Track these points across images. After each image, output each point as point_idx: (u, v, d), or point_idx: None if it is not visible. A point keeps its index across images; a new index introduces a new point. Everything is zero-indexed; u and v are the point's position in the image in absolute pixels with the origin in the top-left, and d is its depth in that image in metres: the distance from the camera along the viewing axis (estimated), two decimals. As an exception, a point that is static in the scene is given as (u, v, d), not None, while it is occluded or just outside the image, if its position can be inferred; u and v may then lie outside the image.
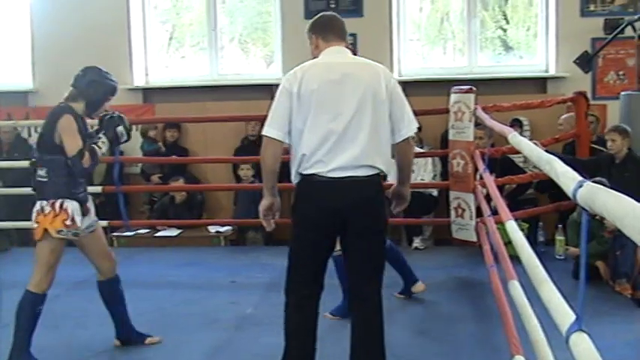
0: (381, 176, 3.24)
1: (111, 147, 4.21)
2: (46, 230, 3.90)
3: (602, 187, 1.57)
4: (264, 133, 3.26)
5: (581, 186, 1.65)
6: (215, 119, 7.36)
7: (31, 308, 4.01)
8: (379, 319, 3.30)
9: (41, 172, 3.94)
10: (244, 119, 7.55)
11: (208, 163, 7.94)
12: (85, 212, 4.03)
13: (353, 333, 3.33)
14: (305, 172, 3.20)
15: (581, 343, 1.63)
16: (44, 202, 3.91)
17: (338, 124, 3.14)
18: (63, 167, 3.89)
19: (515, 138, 3.27)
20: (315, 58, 3.37)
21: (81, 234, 4.05)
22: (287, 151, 3.36)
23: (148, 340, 4.35)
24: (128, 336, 4.33)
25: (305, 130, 3.17)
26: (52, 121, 3.92)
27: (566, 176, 1.85)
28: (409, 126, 3.28)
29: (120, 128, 4.11)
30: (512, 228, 3.03)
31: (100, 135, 4.08)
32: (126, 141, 4.21)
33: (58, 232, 3.90)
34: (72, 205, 3.92)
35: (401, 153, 3.34)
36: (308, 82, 3.18)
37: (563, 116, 6.89)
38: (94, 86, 4.04)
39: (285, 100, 3.22)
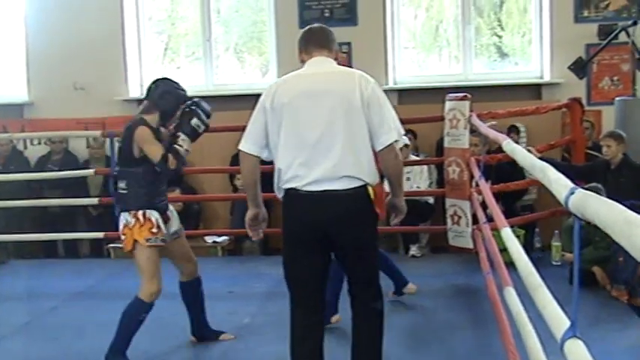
0: (366, 187, 3.14)
1: (193, 140, 4.23)
2: (136, 241, 4.05)
3: (593, 194, 1.57)
4: (239, 147, 3.28)
5: (572, 193, 1.65)
6: (210, 130, 7.35)
7: (135, 314, 4.17)
8: (376, 328, 3.32)
9: (122, 184, 4.11)
10: (240, 129, 7.54)
11: (204, 174, 7.93)
12: (165, 220, 4.17)
13: (352, 341, 3.38)
14: (284, 187, 3.19)
15: (576, 350, 1.63)
16: (127, 215, 4.08)
17: (310, 137, 3.09)
18: (142, 179, 4.06)
19: (509, 145, 3.28)
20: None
21: (168, 240, 4.21)
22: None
23: (222, 337, 4.55)
24: (203, 333, 4.53)
25: (279, 144, 3.15)
26: (128, 135, 4.05)
27: (558, 183, 1.86)
28: (389, 133, 3.14)
29: (194, 121, 4.15)
30: (508, 235, 3.03)
31: (179, 133, 4.13)
32: (205, 130, 4.23)
33: (147, 240, 4.05)
34: (155, 214, 4.08)
35: (384, 162, 3.22)
36: (280, 95, 3.17)
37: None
38: (165, 97, 4.13)
39: (260, 114, 3.22)
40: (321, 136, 3.08)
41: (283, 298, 5.35)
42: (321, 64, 3.26)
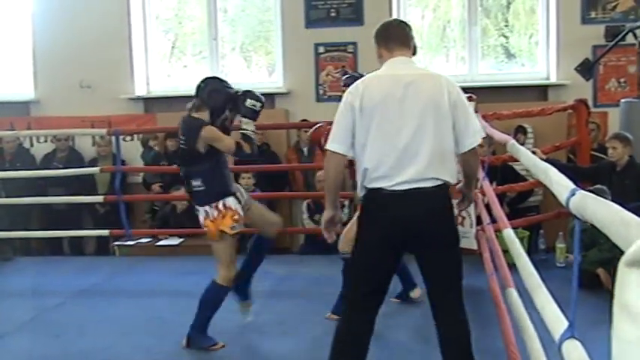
0: (447, 187, 3.15)
1: (254, 120, 4.36)
2: (221, 231, 4.24)
3: (591, 195, 1.57)
4: (327, 147, 3.22)
5: (573, 194, 1.65)
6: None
7: (215, 297, 4.38)
8: (465, 331, 3.24)
9: (196, 182, 4.27)
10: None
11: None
12: (240, 200, 4.38)
13: (442, 348, 3.27)
14: (370, 186, 3.14)
15: (574, 351, 1.63)
16: (207, 207, 4.26)
17: (400, 139, 3.08)
18: (214, 172, 4.28)
19: (513, 147, 3.27)
20: (380, 67, 3.33)
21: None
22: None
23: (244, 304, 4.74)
24: (244, 287, 4.72)
25: (367, 144, 3.12)
26: (192, 135, 4.25)
27: (559, 184, 1.86)
28: (474, 136, 3.18)
29: (249, 101, 4.30)
30: (509, 236, 3.03)
31: (240, 118, 4.31)
32: (262, 107, 4.38)
33: (232, 228, 4.26)
34: (231, 201, 4.28)
35: (466, 164, 3.29)
36: (369, 96, 3.13)
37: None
38: (213, 95, 4.33)
39: (348, 114, 3.16)
40: (410, 139, 3.07)
41: (286, 297, 5.39)
42: (405, 65, 3.25)
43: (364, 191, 3.18)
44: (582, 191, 1.63)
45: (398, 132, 3.08)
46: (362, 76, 3.66)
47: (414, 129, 3.07)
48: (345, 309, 3.30)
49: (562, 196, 1.76)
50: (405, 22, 3.45)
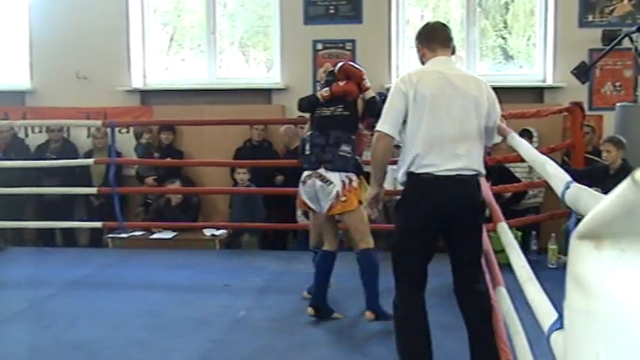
0: (480, 175, 3.48)
1: None
2: (360, 202, 4.46)
3: (585, 187, 1.59)
4: (378, 128, 3.46)
5: (568, 187, 1.67)
6: (211, 122, 7.38)
7: (374, 262, 4.55)
8: (484, 300, 3.50)
9: (347, 147, 4.51)
10: (240, 123, 7.55)
11: (205, 166, 7.93)
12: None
13: (465, 318, 3.55)
14: (418, 171, 3.38)
15: (562, 342, 1.65)
16: (345, 175, 4.50)
17: (449, 130, 3.35)
18: (356, 147, 4.59)
19: (513, 139, 3.29)
20: (422, 65, 3.60)
21: None
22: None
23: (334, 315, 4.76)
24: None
25: (419, 132, 3.37)
26: (351, 102, 4.65)
27: (557, 177, 1.88)
28: (495, 139, 3.61)
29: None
30: (503, 230, 3.05)
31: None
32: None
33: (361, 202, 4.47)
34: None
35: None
36: (423, 88, 3.37)
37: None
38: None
39: (401, 101, 3.41)
40: (456, 132, 3.35)
41: (279, 292, 5.40)
42: (447, 65, 3.50)
43: (410, 176, 3.42)
44: (577, 184, 1.65)
45: (447, 123, 3.36)
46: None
47: (459, 123, 3.37)
48: (402, 294, 3.48)
49: (558, 189, 1.78)
50: (446, 25, 3.70)
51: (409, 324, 3.46)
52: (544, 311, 1.90)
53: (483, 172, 3.49)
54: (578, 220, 1.58)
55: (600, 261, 0.79)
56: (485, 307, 3.47)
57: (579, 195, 1.56)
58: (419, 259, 3.46)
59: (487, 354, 3.41)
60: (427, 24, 3.70)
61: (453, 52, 3.60)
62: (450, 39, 3.58)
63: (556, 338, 1.69)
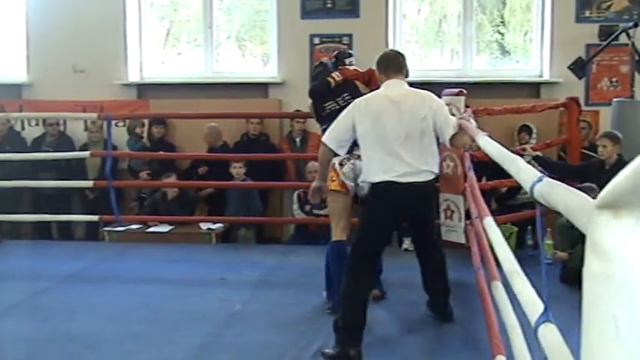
0: (433, 176, 4.23)
1: None
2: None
3: (558, 182, 1.60)
4: (322, 139, 4.35)
5: (540, 181, 1.68)
6: (206, 116, 7.37)
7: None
8: (442, 258, 4.61)
9: None
10: (239, 117, 7.56)
11: (199, 159, 7.90)
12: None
13: (424, 277, 4.64)
14: (374, 181, 4.13)
15: (549, 334, 1.67)
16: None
17: (395, 144, 4.07)
18: None
19: (482, 139, 3.30)
20: (380, 86, 4.35)
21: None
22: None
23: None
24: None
25: (369, 149, 4.16)
26: (357, 89, 4.89)
27: (526, 173, 1.89)
28: (453, 128, 4.10)
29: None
30: (489, 224, 3.07)
31: None
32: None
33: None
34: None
35: (453, 144, 4.24)
36: (368, 109, 4.15)
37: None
38: None
39: (349, 120, 4.19)
40: (402, 143, 4.08)
41: (275, 287, 5.42)
42: (397, 87, 4.25)
43: (370, 184, 4.19)
44: (547, 178, 1.67)
45: (392, 138, 4.07)
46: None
47: (405, 135, 4.08)
48: (352, 274, 4.09)
49: (526, 184, 1.80)
50: (400, 53, 4.50)
51: (355, 305, 4.04)
52: (531, 304, 1.93)
53: (437, 170, 4.28)
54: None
55: (618, 229, 0.84)
56: (442, 266, 4.58)
57: (553, 188, 1.57)
58: (379, 249, 4.32)
59: (440, 286, 4.59)
60: (384, 54, 4.46)
61: (407, 76, 4.35)
62: (402, 66, 4.34)
63: (543, 331, 1.71)
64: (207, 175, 7.54)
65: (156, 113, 7.93)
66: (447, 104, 5.81)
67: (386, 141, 4.08)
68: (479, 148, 3.46)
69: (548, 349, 1.65)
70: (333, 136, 4.25)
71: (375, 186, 4.14)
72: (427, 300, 4.73)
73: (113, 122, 7.26)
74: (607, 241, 0.84)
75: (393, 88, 4.23)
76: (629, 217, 0.83)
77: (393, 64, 4.33)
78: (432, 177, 4.20)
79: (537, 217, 1.76)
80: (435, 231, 4.67)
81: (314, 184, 4.56)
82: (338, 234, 4.70)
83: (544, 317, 1.75)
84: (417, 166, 4.09)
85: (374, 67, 4.52)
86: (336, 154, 4.43)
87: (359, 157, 4.50)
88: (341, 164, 4.67)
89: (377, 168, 4.11)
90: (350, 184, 4.66)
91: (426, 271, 4.62)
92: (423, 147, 4.14)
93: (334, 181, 4.68)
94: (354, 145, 4.42)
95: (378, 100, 4.18)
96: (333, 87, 4.85)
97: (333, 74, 4.89)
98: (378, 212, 4.15)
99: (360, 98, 4.29)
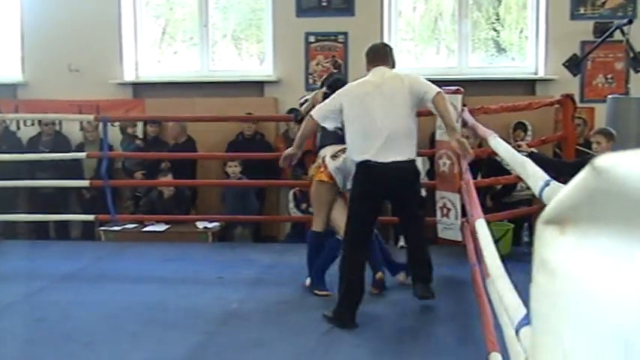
0: (412, 157, 4.55)
1: None
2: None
3: (564, 186, 1.60)
4: (311, 113, 4.70)
5: (547, 185, 1.69)
6: (203, 119, 7.37)
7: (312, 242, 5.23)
8: (422, 228, 4.89)
9: None
10: (231, 119, 7.54)
11: (194, 159, 7.90)
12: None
13: (407, 241, 5.07)
14: (358, 159, 4.48)
15: (530, 336, 1.68)
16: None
17: (375, 124, 4.40)
18: None
19: (494, 140, 3.32)
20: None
21: None
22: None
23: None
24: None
25: (352, 128, 4.50)
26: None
27: (535, 177, 1.90)
28: (431, 88, 4.46)
29: None
30: (480, 226, 3.09)
31: None
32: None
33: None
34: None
35: (438, 106, 4.46)
36: (353, 93, 4.55)
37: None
38: None
39: (337, 102, 4.58)
40: (385, 122, 4.41)
41: (272, 285, 5.42)
42: (380, 73, 4.58)
43: (355, 162, 4.50)
44: (555, 182, 1.67)
45: (375, 119, 4.41)
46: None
47: (386, 116, 4.41)
48: (348, 250, 4.51)
49: (536, 188, 1.81)
50: (386, 45, 4.99)
51: (354, 277, 4.47)
52: (514, 307, 1.95)
53: (414, 154, 4.58)
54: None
55: (563, 244, 0.84)
56: (421, 230, 4.83)
57: (557, 192, 1.58)
58: (370, 221, 4.64)
59: (420, 257, 4.76)
60: (371, 45, 4.80)
61: (393, 66, 4.71)
62: (388, 56, 4.69)
63: (525, 333, 1.73)
64: (174, 173, 7.49)
65: (152, 116, 7.91)
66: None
67: (368, 122, 4.43)
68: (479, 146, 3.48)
69: (529, 351, 1.66)
70: (320, 112, 4.64)
71: (358, 165, 4.48)
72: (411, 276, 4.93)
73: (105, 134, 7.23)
74: (552, 257, 0.85)
75: (376, 74, 4.59)
76: (574, 233, 0.84)
77: (379, 54, 4.68)
78: (412, 156, 4.53)
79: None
80: (418, 205, 4.86)
81: (288, 150, 4.90)
82: (318, 224, 5.07)
83: (526, 320, 1.76)
84: (398, 144, 4.41)
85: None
86: (323, 146, 4.98)
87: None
88: (334, 156, 4.92)
89: (360, 147, 4.46)
90: (337, 177, 4.92)
91: (408, 242, 4.94)
92: (404, 127, 4.46)
93: (322, 171, 4.95)
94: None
95: (362, 85, 4.58)
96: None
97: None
98: (363, 189, 4.50)
99: (347, 85, 4.73)
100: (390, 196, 4.68)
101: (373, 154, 4.39)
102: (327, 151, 4.97)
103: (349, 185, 4.82)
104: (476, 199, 4.04)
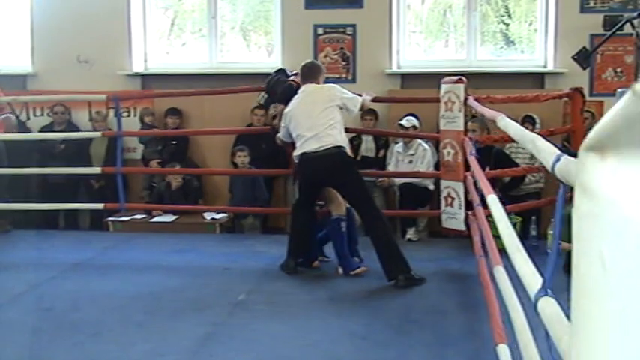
0: (343, 148, 5.44)
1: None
2: None
3: (575, 160, 1.60)
4: (277, 135, 5.89)
5: (559, 160, 1.69)
6: (212, 92, 7.34)
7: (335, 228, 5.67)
8: (382, 225, 5.32)
9: None
10: (242, 91, 7.42)
11: (208, 148, 7.92)
12: None
13: (369, 236, 5.40)
14: (299, 152, 5.46)
15: (548, 307, 1.70)
16: None
17: (306, 126, 5.41)
18: None
19: (503, 121, 3.33)
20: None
21: None
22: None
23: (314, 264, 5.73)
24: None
25: (294, 131, 5.52)
26: None
27: (546, 152, 1.90)
28: (356, 105, 5.63)
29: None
30: (493, 202, 3.11)
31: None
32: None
33: None
34: None
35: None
36: (290, 107, 5.58)
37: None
38: None
39: (285, 118, 5.64)
40: (312, 124, 5.40)
41: (279, 277, 5.44)
42: (309, 88, 5.59)
43: (297, 155, 5.48)
44: (567, 157, 1.67)
45: (305, 122, 5.43)
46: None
47: (313, 119, 5.39)
48: (297, 211, 5.67)
49: (548, 163, 1.81)
50: (316, 64, 5.94)
51: (302, 232, 5.59)
52: (530, 279, 1.96)
53: (344, 144, 5.45)
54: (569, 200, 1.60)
55: (603, 170, 0.88)
56: (382, 229, 5.28)
57: (568, 166, 1.59)
58: (311, 194, 5.61)
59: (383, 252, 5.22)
60: (303, 65, 5.75)
61: (322, 81, 5.69)
62: (317, 74, 5.68)
63: (542, 304, 1.74)
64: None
65: (164, 92, 7.78)
66: (447, 92, 5.86)
67: (302, 124, 5.43)
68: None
69: (547, 321, 1.67)
70: (282, 132, 5.77)
71: (298, 157, 5.49)
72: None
73: (119, 113, 7.25)
74: (593, 182, 0.89)
75: (306, 88, 5.61)
76: (613, 158, 0.87)
77: (309, 73, 5.67)
78: (336, 145, 5.35)
79: (560, 196, 1.77)
80: (367, 198, 5.45)
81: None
82: (339, 208, 5.53)
83: (542, 291, 1.78)
84: (323, 139, 5.33)
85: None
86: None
87: None
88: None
89: (299, 145, 5.46)
90: None
91: (372, 240, 5.33)
92: (328, 126, 5.36)
93: None
94: None
95: (296, 99, 5.58)
96: (295, 88, 5.76)
97: (292, 79, 6.00)
98: (302, 175, 5.63)
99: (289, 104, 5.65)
100: (323, 178, 5.44)
101: (305, 148, 5.38)
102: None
103: None
104: (485, 178, 4.02)
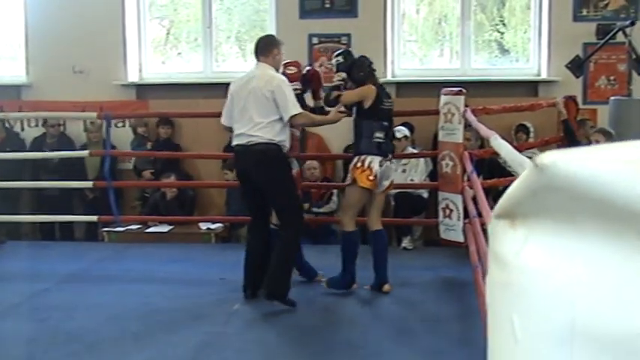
0: (276, 144, 4.89)
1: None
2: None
3: None
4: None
5: None
6: (207, 116, 7.37)
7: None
8: (281, 249, 4.91)
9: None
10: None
11: (201, 159, 7.92)
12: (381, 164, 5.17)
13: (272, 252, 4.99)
14: (233, 143, 5.08)
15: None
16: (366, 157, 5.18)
17: (243, 115, 4.93)
18: None
19: (495, 141, 3.34)
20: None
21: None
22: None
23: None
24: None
25: (232, 118, 5.07)
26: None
27: None
28: (292, 110, 4.85)
29: None
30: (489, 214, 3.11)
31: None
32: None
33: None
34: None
35: (295, 123, 5.03)
36: (233, 88, 5.13)
37: None
38: None
39: (228, 99, 5.16)
40: (247, 114, 4.91)
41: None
42: (256, 68, 5.09)
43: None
44: None
45: (241, 110, 4.94)
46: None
47: (249, 108, 4.88)
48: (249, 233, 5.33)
49: None
50: (269, 35, 5.61)
51: (250, 257, 5.12)
52: None
53: (278, 139, 4.88)
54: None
55: (514, 238, 0.88)
56: (281, 247, 4.89)
57: None
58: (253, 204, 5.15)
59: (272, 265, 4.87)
60: (259, 38, 5.35)
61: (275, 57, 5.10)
62: (265, 49, 5.11)
63: None
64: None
65: (153, 113, 7.92)
66: (446, 103, 5.87)
67: (236, 113, 4.98)
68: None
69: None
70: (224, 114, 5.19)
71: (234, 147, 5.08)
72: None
73: (113, 123, 7.27)
74: (504, 250, 0.89)
75: (253, 69, 5.14)
76: (522, 227, 0.87)
77: (259, 47, 5.15)
78: (265, 141, 4.84)
79: None
80: (289, 209, 4.99)
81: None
82: (348, 224, 5.19)
83: None
84: (252, 132, 4.86)
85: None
86: (368, 154, 5.10)
87: (391, 160, 5.29)
88: (380, 165, 5.09)
89: (234, 136, 5.04)
90: (378, 178, 5.12)
91: (272, 251, 4.98)
92: (262, 118, 4.85)
93: (371, 180, 5.06)
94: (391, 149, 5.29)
95: (237, 82, 5.13)
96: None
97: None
98: (236, 170, 5.35)
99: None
100: (250, 178, 4.97)
101: (236, 140, 4.99)
102: (374, 161, 5.10)
103: (383, 186, 5.23)
104: (485, 201, 4.03)
